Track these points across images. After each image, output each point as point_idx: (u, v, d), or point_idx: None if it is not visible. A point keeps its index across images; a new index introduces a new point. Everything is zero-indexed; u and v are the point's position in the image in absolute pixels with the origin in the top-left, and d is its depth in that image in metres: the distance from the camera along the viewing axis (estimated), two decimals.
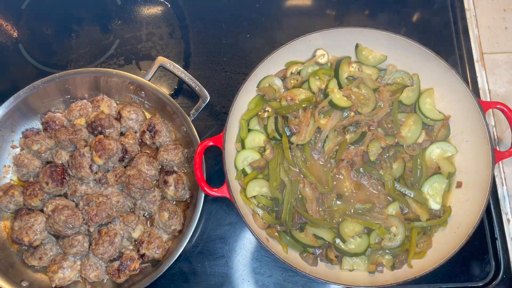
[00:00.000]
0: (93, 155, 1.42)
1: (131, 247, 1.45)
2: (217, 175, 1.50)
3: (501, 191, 1.56)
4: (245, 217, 1.31)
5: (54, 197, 1.46)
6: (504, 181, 1.57)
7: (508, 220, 1.53)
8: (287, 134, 1.44)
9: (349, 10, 1.79)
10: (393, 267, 1.38)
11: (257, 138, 1.46)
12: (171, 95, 1.53)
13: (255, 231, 1.31)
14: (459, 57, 1.69)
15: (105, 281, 1.42)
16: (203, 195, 1.41)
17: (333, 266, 1.38)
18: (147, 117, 1.57)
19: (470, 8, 1.76)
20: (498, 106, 1.43)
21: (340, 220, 1.39)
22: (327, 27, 1.49)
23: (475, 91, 1.63)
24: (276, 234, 1.39)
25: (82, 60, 1.67)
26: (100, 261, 1.41)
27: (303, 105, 1.45)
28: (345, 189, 1.43)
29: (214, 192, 1.33)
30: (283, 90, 1.52)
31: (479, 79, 1.66)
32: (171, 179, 1.45)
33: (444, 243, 1.39)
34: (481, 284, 1.48)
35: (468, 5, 1.76)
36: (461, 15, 1.74)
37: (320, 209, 1.40)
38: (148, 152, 1.54)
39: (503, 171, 1.58)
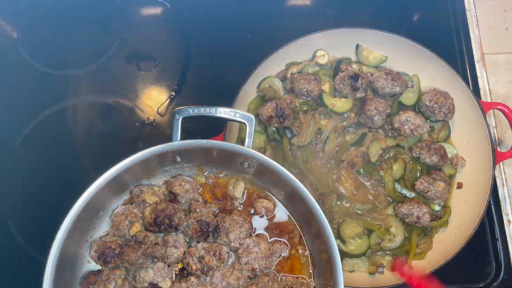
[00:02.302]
0: None
1: None
2: None
3: (501, 192, 1.55)
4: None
5: None
6: (504, 182, 1.56)
7: (509, 221, 1.52)
8: (288, 136, 1.44)
9: (349, 10, 1.78)
10: (393, 268, 1.38)
11: (257, 139, 1.46)
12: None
13: None
14: (460, 57, 1.68)
15: None
16: None
17: None
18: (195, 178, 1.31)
19: (471, 8, 1.75)
20: (498, 106, 1.43)
21: (340, 221, 1.38)
22: (327, 27, 1.49)
23: (476, 91, 1.63)
24: None
25: (82, 61, 1.67)
26: None
27: (304, 108, 1.45)
28: (345, 190, 1.43)
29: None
30: (283, 91, 1.52)
31: (479, 80, 1.66)
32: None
33: (445, 244, 1.38)
34: (482, 285, 1.47)
35: (468, 5, 1.75)
36: (462, 16, 1.73)
37: None
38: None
39: (504, 172, 1.57)
